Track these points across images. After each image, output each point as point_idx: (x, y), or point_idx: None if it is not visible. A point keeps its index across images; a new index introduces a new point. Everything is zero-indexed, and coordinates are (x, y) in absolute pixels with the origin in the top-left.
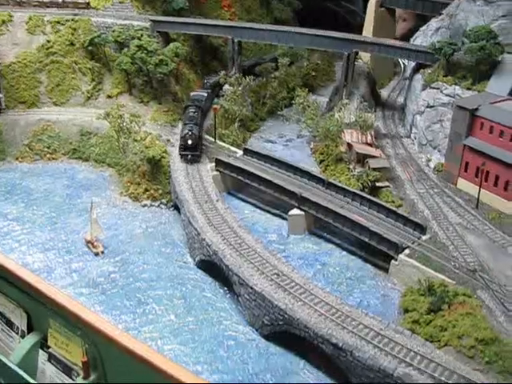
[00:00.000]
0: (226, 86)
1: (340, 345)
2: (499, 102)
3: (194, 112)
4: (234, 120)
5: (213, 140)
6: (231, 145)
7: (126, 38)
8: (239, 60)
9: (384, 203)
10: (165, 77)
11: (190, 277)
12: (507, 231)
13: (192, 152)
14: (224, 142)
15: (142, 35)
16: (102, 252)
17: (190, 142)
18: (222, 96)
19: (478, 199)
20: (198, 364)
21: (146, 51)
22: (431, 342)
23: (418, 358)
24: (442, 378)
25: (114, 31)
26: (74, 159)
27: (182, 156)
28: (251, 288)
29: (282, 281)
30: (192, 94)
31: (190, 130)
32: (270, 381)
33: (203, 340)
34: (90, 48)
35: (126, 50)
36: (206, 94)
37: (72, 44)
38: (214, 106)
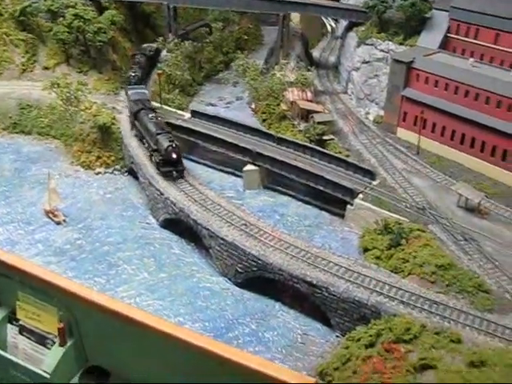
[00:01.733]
0: (164, 53)
1: (314, 282)
2: (432, 54)
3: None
4: (175, 85)
5: (159, 105)
6: (177, 109)
7: (59, 7)
8: (175, 26)
9: (334, 153)
10: (103, 45)
11: (156, 236)
12: (447, 173)
13: (175, 167)
14: (169, 106)
15: (76, 3)
16: (64, 221)
17: (174, 155)
18: (161, 63)
19: (418, 146)
20: (179, 316)
21: (83, 20)
22: (396, 273)
23: (387, 287)
24: (410, 303)
25: (46, 0)
26: (16, 133)
27: (163, 173)
28: (222, 239)
29: (250, 230)
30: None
31: (171, 141)
32: (251, 324)
33: (180, 293)
34: (21, 18)
35: (61, 19)
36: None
37: (0, 14)
38: (158, 71)
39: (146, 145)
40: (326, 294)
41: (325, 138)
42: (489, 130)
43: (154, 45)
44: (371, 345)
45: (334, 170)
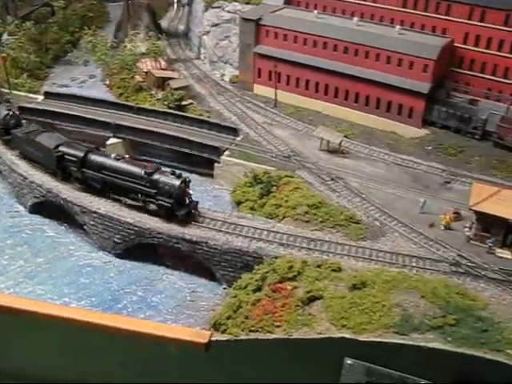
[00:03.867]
0: (6, 36)
1: (194, 239)
2: (278, 10)
3: None
4: (23, 69)
5: (7, 91)
6: (28, 92)
7: None
8: (14, 7)
9: (195, 116)
10: None
11: (26, 223)
12: (306, 121)
13: (184, 209)
14: (20, 91)
15: None
16: None
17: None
18: (3, 47)
19: (275, 99)
20: (64, 296)
21: None
22: (271, 218)
23: (265, 232)
24: (289, 243)
25: None
26: None
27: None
28: (95, 213)
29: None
30: None
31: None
32: (138, 291)
33: (61, 275)
34: None
35: None
36: None
37: None
38: (2, 55)
39: None
40: (207, 249)
41: (184, 103)
42: (339, 76)
43: None
44: (258, 289)
45: (197, 131)
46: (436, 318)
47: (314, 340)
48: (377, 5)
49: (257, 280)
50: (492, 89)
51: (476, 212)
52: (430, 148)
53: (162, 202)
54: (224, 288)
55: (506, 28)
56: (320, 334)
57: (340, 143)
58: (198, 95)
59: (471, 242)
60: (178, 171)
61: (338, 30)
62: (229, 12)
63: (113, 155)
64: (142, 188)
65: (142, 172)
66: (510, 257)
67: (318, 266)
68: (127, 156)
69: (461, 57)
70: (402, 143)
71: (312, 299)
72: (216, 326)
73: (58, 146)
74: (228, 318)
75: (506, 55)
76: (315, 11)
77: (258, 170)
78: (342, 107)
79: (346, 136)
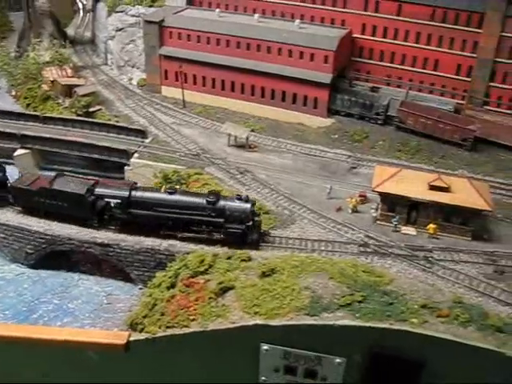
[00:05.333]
0: None
1: (106, 242)
2: (181, 11)
3: None
4: None
5: None
6: None
7: None
8: None
9: (103, 121)
10: None
11: None
12: (215, 119)
13: (255, 233)
14: None
15: None
16: None
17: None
18: None
19: (183, 100)
20: None
21: None
22: None
23: None
24: None
25: None
26: None
27: None
28: (4, 225)
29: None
30: None
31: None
32: (54, 300)
33: None
34: None
35: None
36: None
37: None
38: None
39: None
40: (119, 251)
41: (91, 109)
42: (244, 72)
43: None
44: (172, 286)
45: (106, 136)
46: (344, 296)
47: (229, 330)
48: (277, 1)
49: (170, 277)
50: (391, 75)
51: (379, 193)
52: (336, 136)
53: (233, 230)
54: (140, 288)
55: (399, 18)
56: (234, 323)
57: (247, 138)
58: (107, 101)
59: (377, 222)
60: (243, 194)
61: (239, 27)
62: (133, 16)
63: (163, 189)
64: (208, 219)
65: (205, 201)
66: (414, 233)
67: (229, 258)
68: (178, 187)
69: (360, 47)
70: (309, 133)
71: (224, 290)
72: (133, 326)
73: (89, 190)
74: (144, 316)
75: (402, 43)
76: (217, 10)
77: (167, 170)
78: (249, 103)
79: (252, 130)
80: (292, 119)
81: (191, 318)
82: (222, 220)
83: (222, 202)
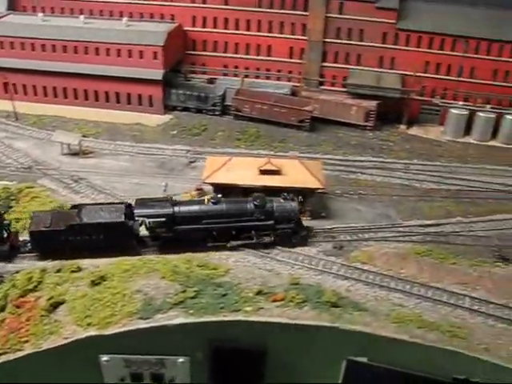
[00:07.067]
0: None
1: None
2: (2, 17)
3: None
4: None
5: None
6: None
7: None
8: None
9: None
10: None
11: None
12: (50, 128)
13: (303, 229)
14: None
15: None
16: None
17: None
18: None
19: (15, 112)
20: None
21: None
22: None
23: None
24: None
25: None
26: None
27: None
28: None
29: None
30: None
31: None
32: None
33: None
34: None
35: None
36: None
37: None
38: None
39: None
40: None
41: None
42: (74, 76)
43: None
44: (2, 309)
45: None
46: (177, 294)
47: (65, 346)
48: (103, 0)
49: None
50: (228, 65)
51: (210, 184)
52: (174, 132)
53: (283, 230)
54: None
55: (227, 7)
56: (67, 338)
57: (79, 144)
58: None
59: None
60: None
61: (64, 30)
62: None
63: (206, 200)
64: (257, 223)
65: (252, 206)
66: None
67: (58, 271)
68: (219, 196)
69: (193, 40)
70: (147, 132)
71: (55, 305)
72: None
73: (126, 215)
74: None
75: (233, 32)
76: (40, 14)
77: None
78: (84, 108)
79: (84, 136)
80: (130, 120)
81: (23, 339)
82: (271, 222)
83: (269, 204)
